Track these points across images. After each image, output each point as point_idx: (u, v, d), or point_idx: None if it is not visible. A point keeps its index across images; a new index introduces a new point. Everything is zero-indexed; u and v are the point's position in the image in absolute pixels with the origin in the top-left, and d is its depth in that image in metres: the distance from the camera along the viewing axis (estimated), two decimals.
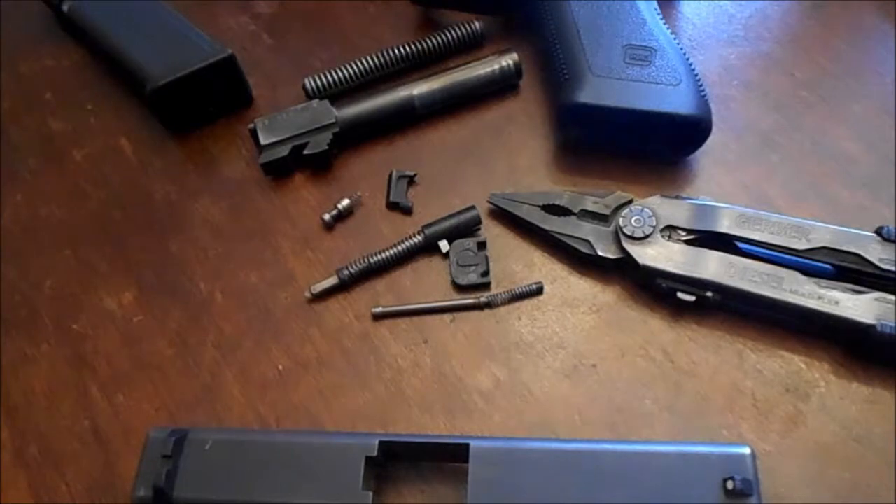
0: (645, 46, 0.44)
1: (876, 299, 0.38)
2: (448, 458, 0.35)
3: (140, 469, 0.34)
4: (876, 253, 0.39)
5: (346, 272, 0.43)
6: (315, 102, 0.48)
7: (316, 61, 0.53)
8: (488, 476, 0.33)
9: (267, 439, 0.35)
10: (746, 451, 0.32)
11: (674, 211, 0.42)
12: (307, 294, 0.43)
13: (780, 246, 0.40)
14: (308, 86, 0.50)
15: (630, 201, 0.43)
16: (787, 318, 0.39)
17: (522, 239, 0.45)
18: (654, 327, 0.41)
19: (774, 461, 0.36)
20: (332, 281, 0.43)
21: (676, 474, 0.32)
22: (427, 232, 0.44)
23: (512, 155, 0.48)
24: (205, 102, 0.50)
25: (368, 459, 0.34)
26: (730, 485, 0.31)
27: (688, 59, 0.45)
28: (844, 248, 0.39)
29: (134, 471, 0.35)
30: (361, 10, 0.56)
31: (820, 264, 0.40)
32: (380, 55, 0.51)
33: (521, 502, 0.32)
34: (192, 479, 0.34)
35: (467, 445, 0.33)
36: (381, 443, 0.34)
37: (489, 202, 0.45)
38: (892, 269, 0.38)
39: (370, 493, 0.33)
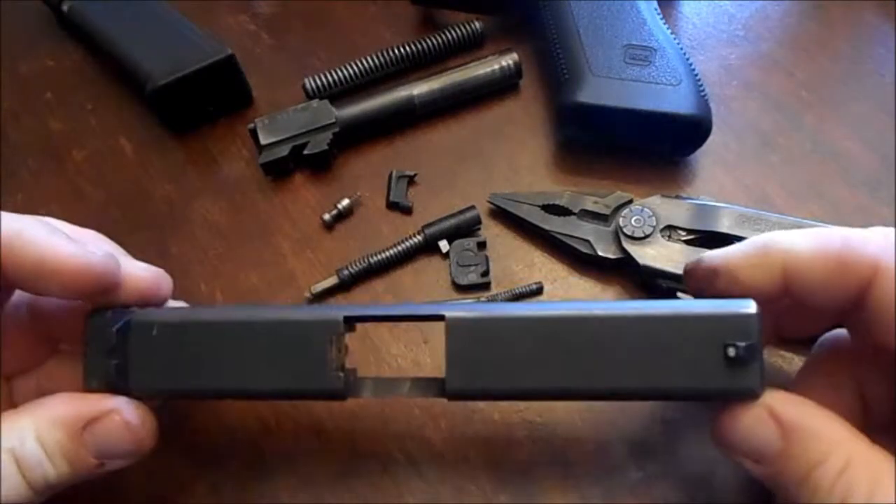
0: (645, 46, 0.45)
1: None
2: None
3: (87, 361, 0.31)
4: None
5: (346, 272, 0.43)
6: (315, 102, 0.48)
7: (316, 61, 0.53)
8: (466, 348, 0.29)
9: (222, 317, 0.31)
10: (752, 309, 0.27)
11: (674, 211, 0.42)
12: (307, 294, 0.43)
13: None
14: (308, 86, 0.50)
15: (630, 201, 0.43)
16: None
17: (522, 239, 0.45)
18: None
19: None
20: (332, 281, 0.43)
21: (671, 340, 0.28)
22: (427, 232, 0.44)
23: (512, 155, 0.48)
24: (205, 102, 0.50)
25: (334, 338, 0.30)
26: (731, 352, 0.27)
27: (688, 59, 0.45)
28: None
29: None
30: (361, 10, 0.56)
31: None
32: (380, 55, 0.51)
33: (502, 378, 0.29)
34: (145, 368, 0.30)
35: (442, 317, 0.30)
36: (346, 318, 0.30)
37: (489, 202, 0.45)
38: None
39: (341, 375, 0.30)
